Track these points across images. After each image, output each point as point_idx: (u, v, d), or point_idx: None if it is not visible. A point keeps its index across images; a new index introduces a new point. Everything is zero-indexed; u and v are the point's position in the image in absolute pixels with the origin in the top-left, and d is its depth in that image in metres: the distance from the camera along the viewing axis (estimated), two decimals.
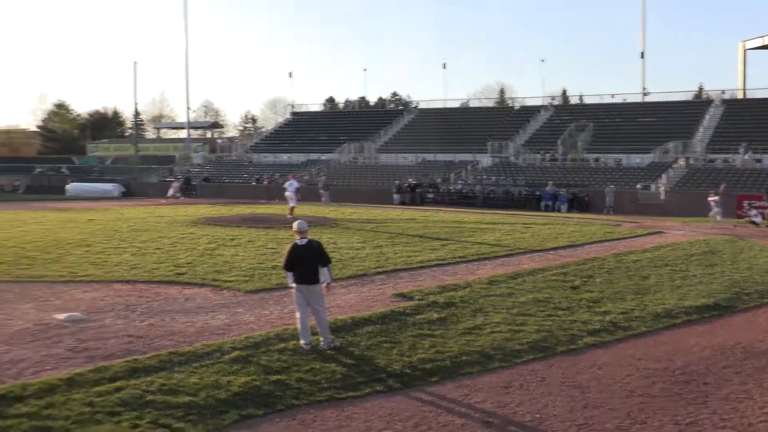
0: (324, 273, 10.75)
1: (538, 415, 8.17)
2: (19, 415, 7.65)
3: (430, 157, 56.89)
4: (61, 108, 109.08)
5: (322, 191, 47.42)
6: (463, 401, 8.61)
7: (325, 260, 10.82)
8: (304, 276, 10.55)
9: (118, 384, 8.64)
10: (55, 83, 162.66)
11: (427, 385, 9.15)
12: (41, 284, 15.38)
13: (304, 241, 10.73)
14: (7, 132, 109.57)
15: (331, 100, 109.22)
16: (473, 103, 76.99)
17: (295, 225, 10.97)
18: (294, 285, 10.63)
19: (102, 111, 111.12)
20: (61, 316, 12.21)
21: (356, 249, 21.14)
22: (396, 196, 47.93)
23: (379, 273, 17.17)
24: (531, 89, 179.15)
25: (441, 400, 8.65)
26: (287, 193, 34.54)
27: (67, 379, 8.72)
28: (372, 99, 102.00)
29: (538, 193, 45.19)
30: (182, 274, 16.59)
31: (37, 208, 40.23)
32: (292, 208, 33.60)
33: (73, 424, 7.46)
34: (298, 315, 10.65)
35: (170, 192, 51.51)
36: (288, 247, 10.84)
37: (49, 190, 61.60)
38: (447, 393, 8.89)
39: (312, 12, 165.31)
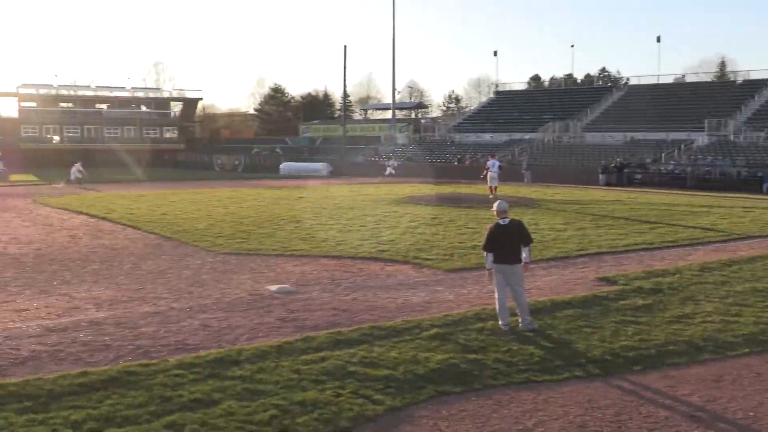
0: (524, 253, 10.59)
1: (752, 413, 7.58)
2: (234, 377, 8.20)
3: (639, 135, 54.32)
4: (276, 92, 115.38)
5: (524, 171, 46.78)
6: (668, 393, 8.17)
7: (527, 240, 10.64)
8: (505, 256, 10.43)
9: (322, 354, 9.03)
10: (272, 68, 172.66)
11: (629, 374, 8.75)
12: (256, 257, 16.47)
13: (506, 220, 10.60)
14: (230, 115, 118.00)
15: (536, 78, 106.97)
16: (690, 78, 72.19)
17: (495, 205, 10.88)
18: (492, 266, 10.55)
19: (313, 93, 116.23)
20: (273, 287, 12.99)
21: (558, 230, 20.70)
22: (602, 177, 46.24)
23: (581, 255, 16.71)
24: (757, 62, 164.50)
25: (644, 390, 8.26)
26: (490, 173, 34.40)
27: (277, 347, 9.25)
28: (579, 76, 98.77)
29: (760, 174, 41.75)
30: (385, 251, 17.06)
31: (253, 186, 43.04)
32: (492, 188, 33.47)
33: (281, 389, 7.88)
34: (497, 295, 10.58)
35: (387, 171, 53.20)
36: (489, 227, 10.79)
37: (264, 168, 65.48)
38: (650, 383, 8.46)
39: None
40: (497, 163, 35.47)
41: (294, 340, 9.58)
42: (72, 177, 44.47)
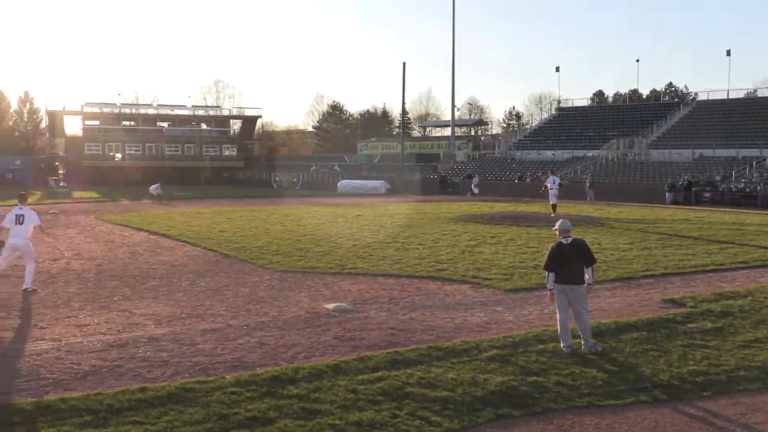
0: (587, 273, 10.31)
1: None
2: (291, 396, 8.14)
3: (708, 152, 53.01)
4: (335, 109, 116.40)
5: (587, 189, 46.07)
6: (738, 420, 7.80)
7: (590, 260, 10.37)
8: (567, 276, 10.18)
9: (379, 374, 8.91)
10: (331, 85, 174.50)
11: (698, 400, 8.42)
12: (313, 275, 16.45)
13: (569, 239, 10.36)
14: (288, 132, 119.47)
15: (599, 94, 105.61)
16: (762, 92, 70.04)
17: (558, 224, 10.64)
18: (554, 286, 10.29)
19: (372, 110, 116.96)
20: (330, 305, 12.93)
21: (623, 250, 20.21)
22: (668, 195, 45.20)
23: (646, 276, 16.25)
24: None
25: (713, 417, 7.91)
26: (550, 191, 33.90)
27: (333, 366, 9.16)
28: (645, 91, 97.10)
29: None
30: (443, 270, 16.87)
31: (311, 204, 43.31)
32: (554, 206, 32.99)
33: (337, 409, 7.78)
34: (558, 316, 10.32)
35: (474, 189, 52.92)
36: (551, 246, 10.54)
37: (322, 186, 65.92)
38: (720, 410, 8.11)
39: (579, 3, 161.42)
40: (557, 180, 34.91)
41: (351, 359, 9.48)
42: (153, 194, 48.86)
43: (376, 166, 77.15)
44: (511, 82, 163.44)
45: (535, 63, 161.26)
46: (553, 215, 30.69)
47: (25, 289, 14.31)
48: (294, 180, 71.34)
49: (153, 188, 49.48)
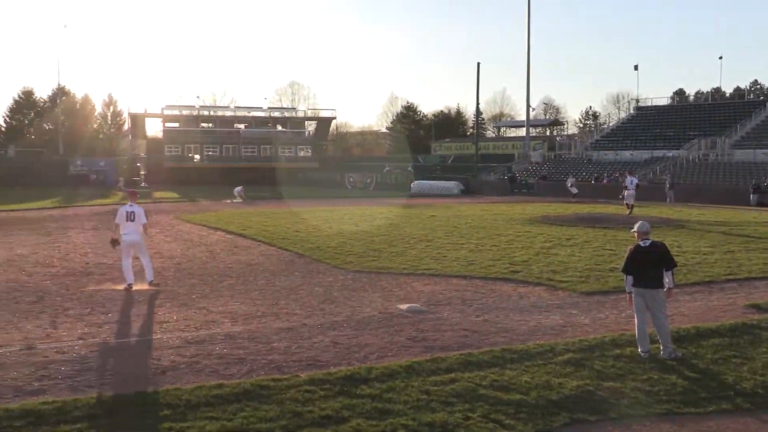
0: (667, 277, 10.05)
1: None
2: (364, 395, 8.17)
3: None
4: (408, 110, 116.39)
5: (668, 191, 44.95)
6: None
7: (670, 263, 10.10)
8: (645, 280, 9.95)
9: (452, 375, 8.87)
10: (405, 86, 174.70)
11: None
12: (387, 275, 16.49)
13: (647, 242, 10.11)
14: (362, 133, 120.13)
15: (680, 93, 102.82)
16: None
17: (636, 226, 10.40)
18: (632, 290, 10.08)
19: (445, 111, 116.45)
20: (404, 306, 12.94)
21: (704, 254, 19.61)
22: (753, 197, 43.66)
23: (729, 281, 15.72)
24: None
25: None
26: (627, 191, 33.33)
27: (406, 366, 9.15)
28: (728, 89, 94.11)
29: None
30: (517, 272, 16.70)
31: (385, 204, 43.39)
32: (629, 206, 32.43)
33: (410, 410, 7.78)
34: (636, 321, 10.10)
35: (573, 190, 51.56)
36: (629, 248, 10.32)
37: (395, 187, 65.94)
38: None
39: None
40: (635, 181, 34.42)
41: (424, 360, 9.47)
42: (236, 196, 50.01)
43: (449, 166, 76.88)
44: (587, 81, 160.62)
45: (612, 61, 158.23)
46: (628, 213, 30.12)
47: (150, 282, 15.08)
48: (368, 181, 71.58)
49: (237, 190, 50.66)
